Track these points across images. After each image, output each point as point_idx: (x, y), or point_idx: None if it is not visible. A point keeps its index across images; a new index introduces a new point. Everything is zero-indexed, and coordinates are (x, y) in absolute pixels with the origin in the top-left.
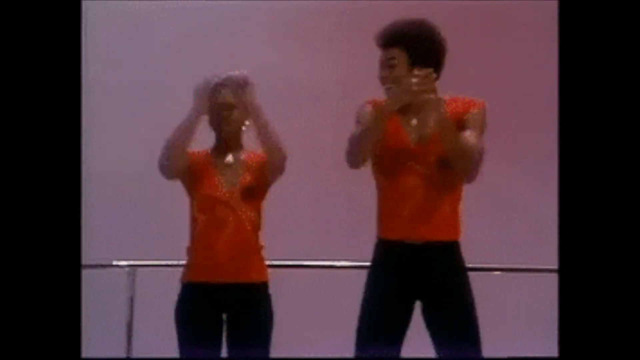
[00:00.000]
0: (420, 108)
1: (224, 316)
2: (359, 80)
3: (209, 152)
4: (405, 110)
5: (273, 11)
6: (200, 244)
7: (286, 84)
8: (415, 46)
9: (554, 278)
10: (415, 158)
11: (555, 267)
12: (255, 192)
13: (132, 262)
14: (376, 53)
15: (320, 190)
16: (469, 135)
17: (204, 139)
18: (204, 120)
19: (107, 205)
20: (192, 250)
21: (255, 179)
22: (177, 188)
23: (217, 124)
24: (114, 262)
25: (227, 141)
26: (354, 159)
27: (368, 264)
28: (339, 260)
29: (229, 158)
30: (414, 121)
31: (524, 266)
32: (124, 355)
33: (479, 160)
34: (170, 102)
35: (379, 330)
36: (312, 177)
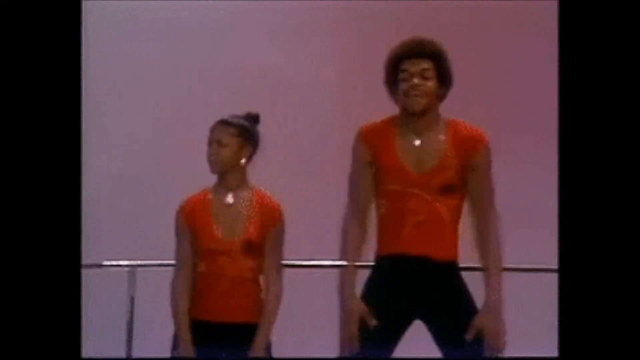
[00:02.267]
0: (420, 132)
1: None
2: (359, 80)
3: (209, 192)
4: (405, 134)
5: (272, 10)
6: (200, 289)
7: (286, 83)
8: (442, 62)
9: (554, 278)
10: (415, 184)
11: (555, 267)
12: (256, 246)
13: (132, 262)
14: (376, 52)
15: (320, 189)
16: (488, 207)
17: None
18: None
19: (107, 204)
20: (193, 291)
21: (259, 235)
22: (178, 188)
23: (208, 161)
24: (115, 262)
25: (223, 177)
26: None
27: (368, 264)
28: (339, 260)
29: (229, 198)
30: (415, 146)
31: (524, 266)
32: (124, 355)
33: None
34: (171, 101)
35: (371, 342)
36: (312, 176)
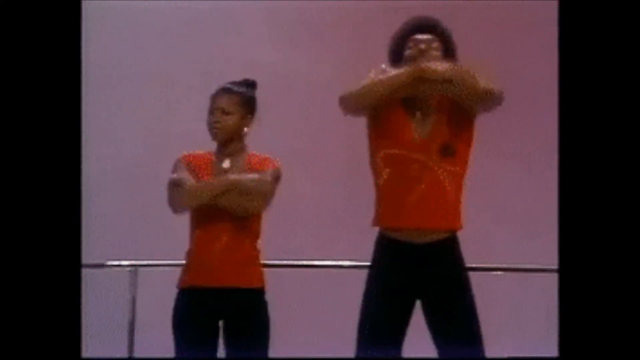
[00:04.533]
0: (427, 104)
1: (221, 323)
2: (356, 77)
3: (210, 154)
4: (410, 103)
5: (272, 8)
6: (197, 250)
7: (286, 82)
8: (448, 39)
9: (554, 278)
10: (418, 149)
11: (555, 267)
12: None
13: (134, 262)
14: (375, 51)
15: (321, 189)
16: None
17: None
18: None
19: (109, 204)
20: (189, 256)
21: None
22: None
23: (209, 129)
24: (116, 262)
25: (225, 145)
26: (363, 98)
27: (369, 264)
28: (339, 260)
29: (226, 163)
30: (418, 114)
31: (524, 266)
32: (126, 355)
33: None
34: (171, 100)
35: (380, 328)
36: (312, 176)
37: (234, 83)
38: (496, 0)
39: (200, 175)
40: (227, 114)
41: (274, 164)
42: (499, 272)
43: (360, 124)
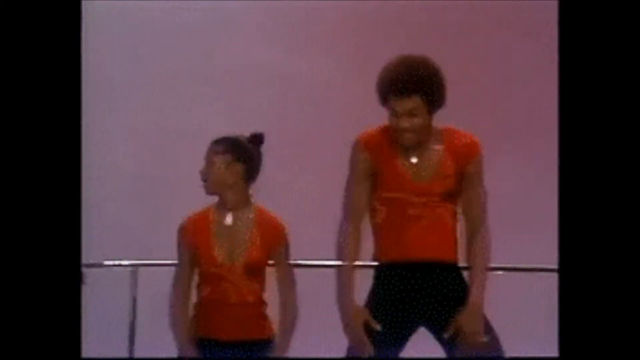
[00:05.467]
0: (420, 148)
1: None
2: (359, 78)
3: (211, 210)
4: (406, 148)
5: (271, 9)
6: (205, 312)
7: (286, 82)
8: (432, 93)
9: (554, 278)
10: (416, 193)
11: (555, 267)
12: (258, 269)
13: (134, 262)
14: (375, 50)
15: (322, 189)
16: (478, 215)
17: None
18: None
19: (109, 203)
20: (197, 311)
21: (260, 257)
22: (180, 188)
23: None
24: (117, 262)
25: (223, 198)
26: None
27: (371, 263)
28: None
29: (228, 219)
30: (414, 160)
31: (524, 266)
32: (126, 355)
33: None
34: (171, 100)
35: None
36: (314, 176)
37: (226, 135)
38: (496, 0)
39: (200, 244)
40: (211, 165)
41: (284, 234)
42: (499, 272)
43: (361, 125)
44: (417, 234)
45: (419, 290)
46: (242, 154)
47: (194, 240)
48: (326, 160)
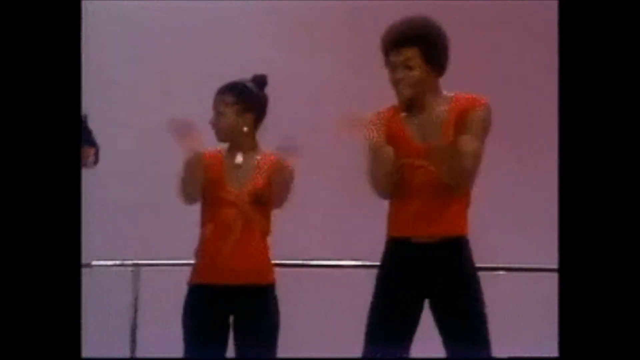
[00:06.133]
0: (423, 107)
1: (231, 318)
2: (359, 78)
3: (222, 151)
4: (411, 109)
5: (271, 8)
6: (207, 246)
7: (286, 82)
8: (429, 45)
9: (554, 278)
10: (421, 156)
11: (555, 267)
12: (263, 197)
13: (136, 262)
14: (377, 49)
15: (323, 189)
16: (465, 143)
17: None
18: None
19: (111, 203)
20: (199, 252)
21: (265, 185)
22: None
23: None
24: (119, 262)
25: (234, 144)
26: (382, 195)
27: (374, 263)
28: (345, 260)
29: (239, 158)
30: (417, 119)
31: (524, 266)
32: (128, 355)
33: (472, 172)
34: (172, 99)
35: (388, 328)
36: (316, 176)
37: (237, 81)
38: (496, 0)
39: (211, 174)
40: (221, 115)
41: (287, 165)
42: (499, 272)
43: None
44: (422, 209)
45: (425, 267)
46: (250, 102)
47: (205, 170)
48: (327, 160)
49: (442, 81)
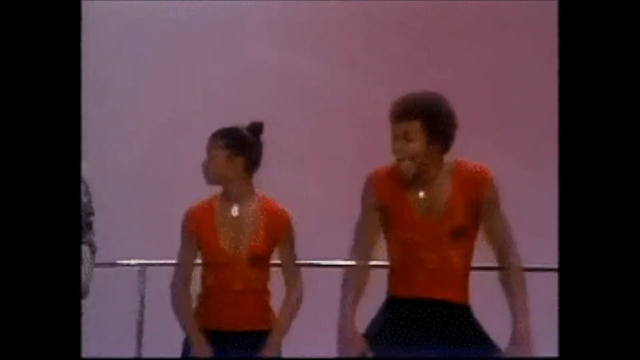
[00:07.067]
0: (425, 181)
1: None
2: (360, 78)
3: (215, 200)
4: (413, 183)
5: (273, 9)
6: (209, 301)
7: (287, 81)
8: (432, 120)
9: (554, 278)
10: (423, 232)
11: (555, 266)
12: (262, 258)
13: (142, 261)
14: (378, 50)
15: (325, 189)
16: (507, 247)
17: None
18: None
19: (117, 203)
20: (201, 301)
21: (264, 247)
22: (188, 187)
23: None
24: (125, 261)
25: (227, 189)
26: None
27: (375, 263)
28: (345, 260)
29: (234, 210)
30: (422, 194)
31: (524, 266)
32: (134, 354)
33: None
34: (173, 99)
35: None
36: (317, 176)
37: (232, 127)
38: (496, 0)
39: (205, 233)
40: (212, 158)
41: (288, 223)
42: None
43: (363, 125)
44: (425, 278)
45: (427, 327)
46: (242, 148)
47: (198, 230)
48: (330, 159)
49: (444, 72)
